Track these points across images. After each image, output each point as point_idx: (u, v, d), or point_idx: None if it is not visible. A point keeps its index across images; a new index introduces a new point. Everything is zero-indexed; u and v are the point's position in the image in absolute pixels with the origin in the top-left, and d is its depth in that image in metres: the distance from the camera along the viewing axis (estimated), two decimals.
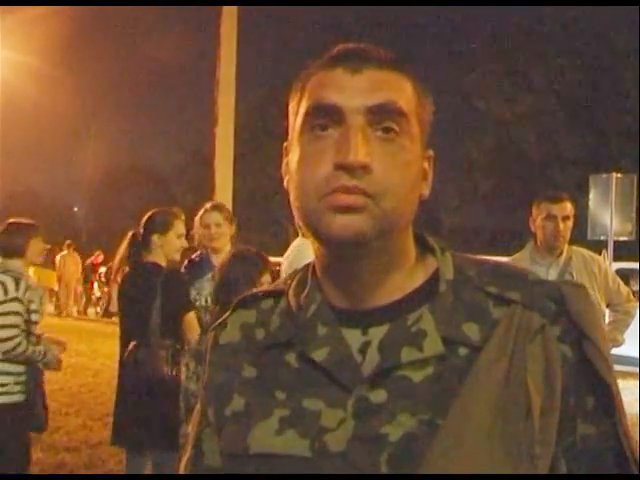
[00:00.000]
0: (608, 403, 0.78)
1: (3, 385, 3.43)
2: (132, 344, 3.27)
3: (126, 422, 3.31)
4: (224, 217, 3.87)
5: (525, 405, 0.74)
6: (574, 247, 3.71)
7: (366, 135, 0.76)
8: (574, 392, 0.77)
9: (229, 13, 8.80)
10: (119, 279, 3.56)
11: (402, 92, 0.79)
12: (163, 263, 3.51)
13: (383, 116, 0.77)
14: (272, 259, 7.06)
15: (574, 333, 0.78)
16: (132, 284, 3.47)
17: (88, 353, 10.87)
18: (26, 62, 26.28)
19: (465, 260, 0.86)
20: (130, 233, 3.57)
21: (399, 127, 0.78)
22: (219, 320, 0.93)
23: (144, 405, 3.22)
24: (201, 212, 3.97)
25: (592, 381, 0.78)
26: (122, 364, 3.37)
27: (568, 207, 3.60)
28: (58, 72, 39.58)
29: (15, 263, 3.57)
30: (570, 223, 3.60)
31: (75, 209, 45.86)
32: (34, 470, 4.97)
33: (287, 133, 0.86)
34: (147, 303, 3.31)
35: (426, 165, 0.85)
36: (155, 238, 3.49)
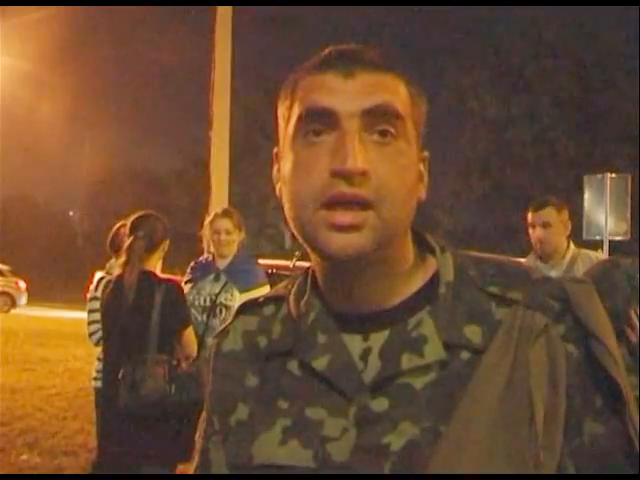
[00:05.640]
0: (617, 401, 0.75)
1: (99, 371, 3.77)
2: (127, 365, 2.98)
3: (122, 446, 3.03)
4: (234, 224, 3.88)
5: (529, 409, 0.72)
6: (581, 249, 3.66)
7: (363, 140, 0.73)
8: (581, 391, 0.75)
9: (224, 15, 8.77)
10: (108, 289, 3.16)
11: (397, 94, 0.77)
12: (157, 272, 3.27)
13: (379, 119, 0.74)
14: (268, 262, 7.05)
15: (579, 331, 0.76)
16: (128, 296, 3.08)
17: (85, 357, 10.81)
18: (22, 67, 26.27)
19: (466, 259, 0.83)
20: (132, 238, 3.17)
21: (395, 130, 0.75)
22: (221, 327, 0.92)
23: (144, 427, 2.96)
24: (211, 217, 4.00)
25: (600, 379, 0.75)
26: (110, 385, 3.05)
27: (549, 213, 3.58)
28: (53, 77, 39.57)
29: None
30: (554, 229, 3.57)
31: (71, 213, 45.86)
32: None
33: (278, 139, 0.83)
34: (145, 317, 3.03)
35: (422, 167, 0.82)
36: (165, 245, 3.25)
